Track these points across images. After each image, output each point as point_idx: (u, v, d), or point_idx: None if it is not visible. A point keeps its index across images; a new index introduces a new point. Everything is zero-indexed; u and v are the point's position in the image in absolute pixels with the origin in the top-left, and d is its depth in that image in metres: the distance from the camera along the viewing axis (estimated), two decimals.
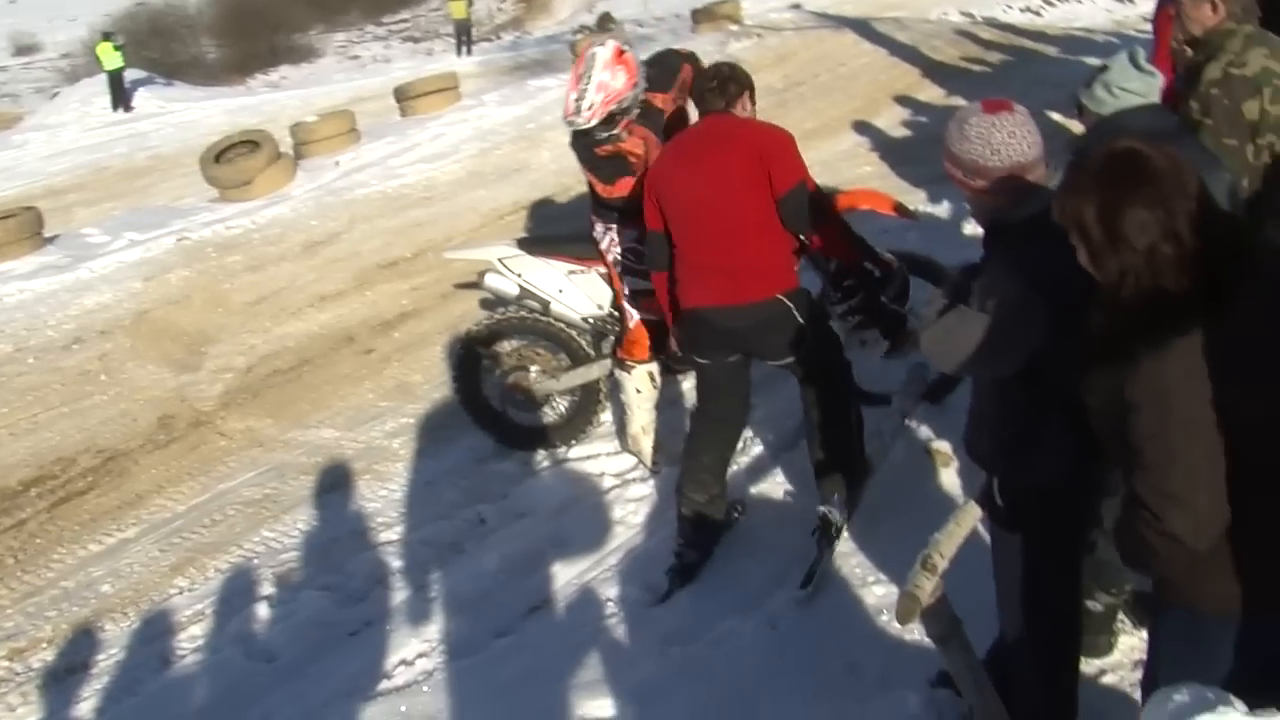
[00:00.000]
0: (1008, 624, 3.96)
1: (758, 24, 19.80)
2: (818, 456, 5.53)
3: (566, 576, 5.85)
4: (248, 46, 50.46)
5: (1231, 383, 2.65)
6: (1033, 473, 3.49)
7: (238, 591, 6.26)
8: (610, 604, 5.56)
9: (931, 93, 14.38)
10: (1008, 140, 3.26)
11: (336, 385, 8.78)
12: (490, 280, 6.79)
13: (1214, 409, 2.64)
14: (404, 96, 16.71)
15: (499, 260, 6.73)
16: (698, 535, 5.67)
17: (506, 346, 6.95)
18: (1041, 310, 3.17)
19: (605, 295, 6.65)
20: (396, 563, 6.27)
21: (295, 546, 6.63)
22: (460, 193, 12.94)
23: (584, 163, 6.20)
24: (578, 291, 6.68)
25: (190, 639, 5.94)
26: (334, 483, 7.26)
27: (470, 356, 6.94)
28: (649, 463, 6.60)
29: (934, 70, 15.35)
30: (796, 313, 5.25)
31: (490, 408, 7.06)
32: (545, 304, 6.71)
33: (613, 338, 6.75)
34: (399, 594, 5.99)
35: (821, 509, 5.46)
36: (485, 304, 8.49)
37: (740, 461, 6.35)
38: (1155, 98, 4.03)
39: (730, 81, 5.27)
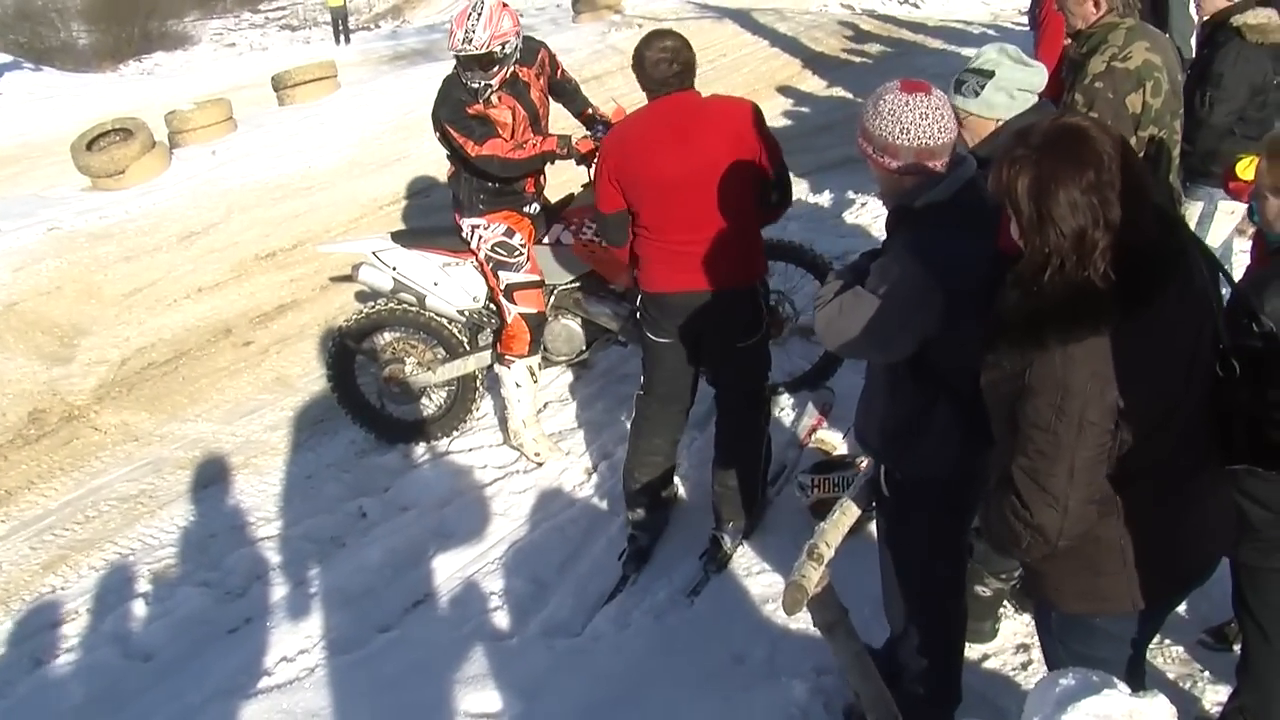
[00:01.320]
0: (893, 611, 4.04)
1: (639, 14, 19.82)
2: (724, 481, 5.49)
3: (450, 570, 5.85)
4: (120, 32, 49.17)
5: (1136, 384, 2.66)
6: (919, 461, 3.54)
7: (113, 589, 6.14)
8: (495, 597, 5.57)
9: (813, 83, 14.54)
10: (919, 121, 3.24)
11: (214, 378, 8.63)
12: (364, 274, 6.73)
13: (1111, 413, 2.66)
14: (281, 85, 16.47)
15: (373, 253, 6.68)
16: (650, 518, 5.69)
17: (382, 340, 6.92)
18: (936, 295, 3.20)
19: (481, 288, 6.64)
20: (276, 558, 6.20)
21: (172, 543, 6.51)
22: (339, 183, 12.79)
23: (452, 123, 6.12)
24: (453, 284, 6.66)
25: (64, 639, 5.80)
26: (212, 477, 7.15)
27: (344, 350, 6.90)
28: (531, 455, 6.60)
29: (815, 61, 15.52)
30: (760, 299, 5.31)
31: (366, 402, 7.03)
32: (420, 297, 6.69)
33: (489, 330, 6.74)
34: (279, 590, 5.93)
35: (714, 533, 5.52)
36: (362, 296, 8.42)
37: (624, 453, 6.39)
38: (1040, 89, 4.09)
39: (691, 58, 5.09)
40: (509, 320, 6.49)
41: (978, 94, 4.06)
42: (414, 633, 5.42)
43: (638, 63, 5.02)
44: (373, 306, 6.86)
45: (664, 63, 4.95)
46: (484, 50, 5.98)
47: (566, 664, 4.97)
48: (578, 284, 6.61)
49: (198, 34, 52.55)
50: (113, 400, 8.46)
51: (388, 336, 6.91)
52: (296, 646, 5.43)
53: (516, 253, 6.37)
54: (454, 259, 6.60)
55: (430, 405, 7.11)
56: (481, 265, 6.50)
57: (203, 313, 9.84)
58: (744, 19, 18.08)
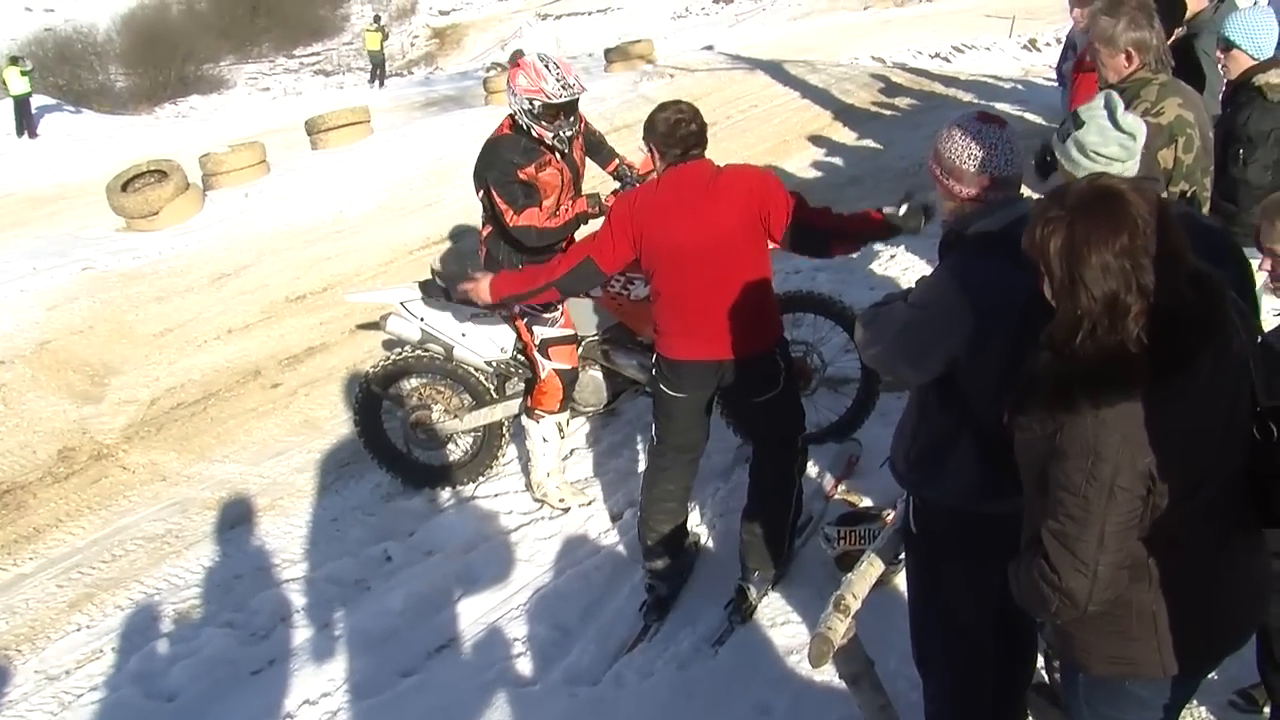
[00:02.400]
0: (918, 658, 4.01)
1: (671, 64, 19.93)
2: (751, 530, 5.46)
3: (473, 615, 5.83)
4: (157, 76, 49.75)
5: (1170, 449, 2.62)
6: (939, 488, 3.53)
7: (138, 629, 6.17)
8: (518, 643, 5.56)
9: (843, 134, 14.56)
10: (990, 149, 3.31)
11: (242, 419, 8.69)
12: (392, 324, 6.76)
13: (1144, 479, 2.62)
14: (315, 129, 16.62)
15: (401, 304, 6.71)
16: (669, 567, 5.65)
17: (409, 385, 6.94)
18: (965, 319, 3.22)
19: (509, 338, 6.66)
20: (301, 600, 6.21)
21: (197, 583, 6.53)
22: (370, 227, 12.89)
23: (498, 186, 6.12)
24: (480, 335, 6.68)
25: (88, 677, 5.83)
26: (238, 518, 7.18)
27: (371, 395, 6.91)
28: (556, 504, 6.61)
29: (845, 113, 15.55)
30: (779, 358, 5.27)
31: (392, 447, 7.03)
32: (448, 348, 6.71)
33: (517, 378, 6.75)
34: (303, 632, 5.93)
35: (740, 583, 5.49)
36: (390, 342, 8.45)
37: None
38: (1134, 162, 3.93)
39: (704, 125, 5.17)
40: (543, 375, 6.49)
41: (1064, 141, 3.96)
42: (437, 678, 5.41)
43: (650, 127, 5.09)
44: (399, 353, 6.88)
45: (681, 124, 5.01)
46: (582, 92, 6.12)
47: (589, 712, 4.95)
48: (605, 336, 6.64)
49: (233, 78, 53.11)
50: (141, 440, 8.51)
51: (415, 382, 6.93)
52: (319, 690, 5.43)
53: (551, 308, 6.37)
54: (482, 309, 6.61)
55: (456, 451, 7.11)
56: (514, 319, 6.51)
57: (232, 354, 9.91)
58: (775, 70, 18.15)
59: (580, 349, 6.59)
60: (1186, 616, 2.84)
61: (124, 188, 13.51)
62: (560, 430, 6.60)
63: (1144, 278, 2.54)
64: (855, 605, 3.55)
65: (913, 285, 3.56)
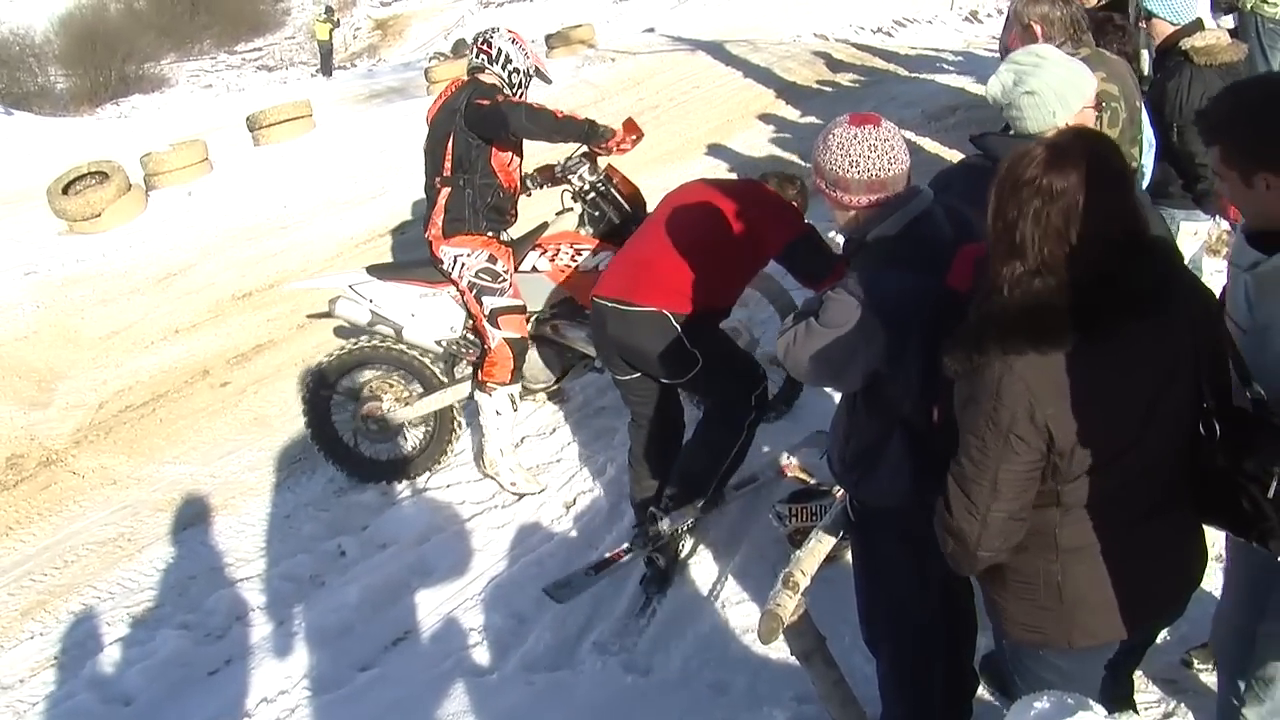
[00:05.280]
0: (872, 640, 4.05)
1: (612, 48, 19.89)
2: (678, 464, 5.57)
3: (429, 606, 5.84)
4: (97, 76, 49.12)
5: (1085, 415, 2.65)
6: (875, 490, 3.56)
7: (92, 634, 6.12)
8: (474, 633, 5.57)
9: (787, 112, 14.58)
10: (866, 154, 3.24)
11: (192, 420, 8.62)
12: (341, 308, 6.74)
13: (1041, 434, 2.66)
14: (256, 125, 16.43)
15: (350, 286, 6.70)
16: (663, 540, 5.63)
17: (358, 378, 6.93)
18: (876, 334, 3.22)
19: (458, 317, 6.69)
20: (256, 598, 6.19)
21: (152, 585, 6.49)
22: (315, 221, 12.81)
23: (493, 96, 6.35)
24: (430, 314, 6.70)
25: (43, 685, 5.79)
26: (190, 519, 7.13)
27: (320, 390, 6.89)
28: (508, 485, 6.62)
29: (788, 90, 15.56)
30: (682, 335, 5.24)
31: (342, 441, 7.01)
32: (398, 329, 6.72)
33: (466, 362, 6.77)
34: (259, 630, 5.92)
35: (652, 510, 5.53)
36: (340, 334, 8.42)
37: (602, 486, 6.46)
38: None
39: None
40: (493, 346, 6.52)
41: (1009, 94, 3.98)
42: (394, 670, 5.41)
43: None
44: (344, 347, 6.88)
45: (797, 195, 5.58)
46: None
47: (547, 698, 4.96)
48: (554, 310, 6.66)
49: (175, 76, 52.52)
50: (90, 444, 8.44)
51: (364, 375, 6.92)
52: (277, 687, 5.42)
53: (500, 278, 6.46)
54: (430, 289, 6.65)
55: (408, 443, 7.11)
56: (464, 293, 6.53)
57: (180, 354, 9.83)
58: (717, 50, 18.13)
59: (530, 325, 6.61)
60: (1094, 590, 2.88)
61: (65, 190, 13.35)
62: (514, 403, 6.62)
63: (1077, 229, 2.56)
64: (804, 582, 3.58)
65: (825, 296, 3.50)
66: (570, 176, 6.55)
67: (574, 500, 6.53)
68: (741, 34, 20.04)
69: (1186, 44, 5.61)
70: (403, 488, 6.99)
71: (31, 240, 13.28)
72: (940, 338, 2.79)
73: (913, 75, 16.11)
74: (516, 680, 5.14)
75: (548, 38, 21.42)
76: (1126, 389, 2.70)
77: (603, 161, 6.56)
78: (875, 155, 3.26)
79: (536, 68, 6.63)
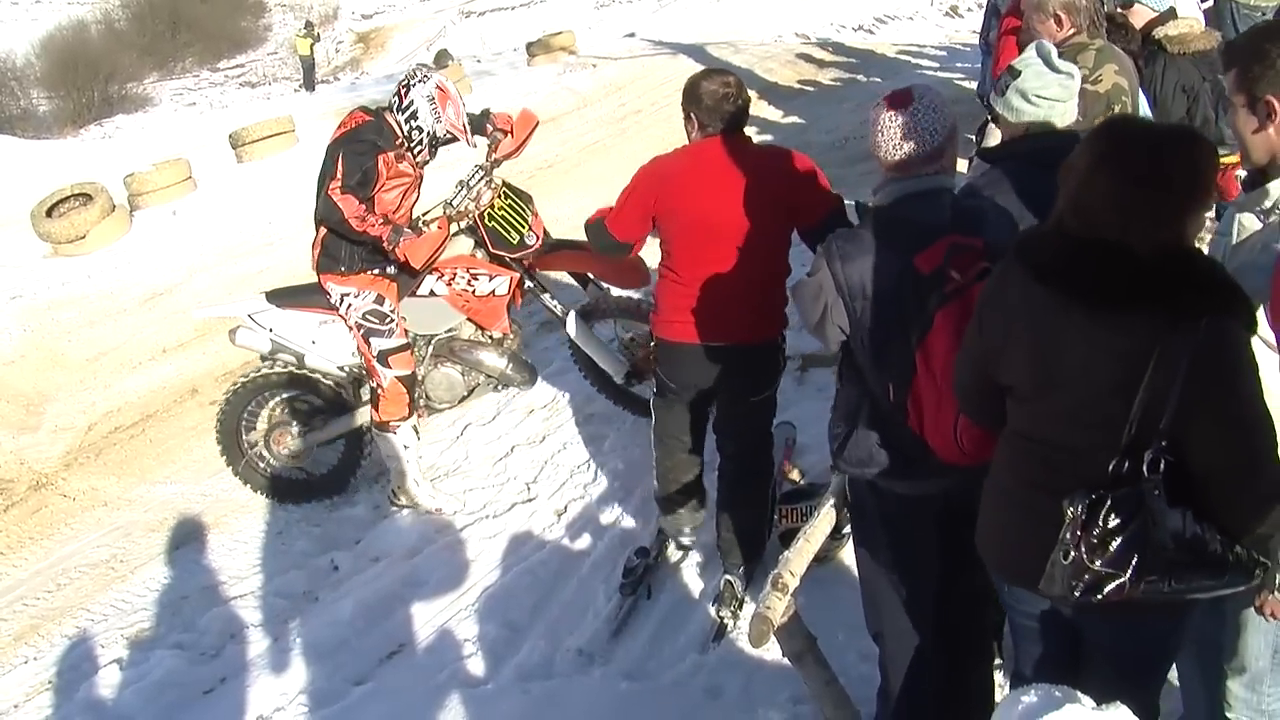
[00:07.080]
0: (873, 630, 4.07)
1: (593, 54, 19.92)
2: (729, 525, 5.35)
3: (423, 619, 5.84)
4: (80, 97, 49.07)
5: (1012, 352, 2.83)
6: (846, 457, 3.68)
7: (86, 656, 6.11)
8: (468, 644, 5.57)
9: (768, 112, 14.59)
10: (891, 137, 3.44)
11: (182, 439, 8.61)
12: (241, 337, 6.75)
13: (977, 362, 2.91)
14: (239, 143, 16.39)
15: (249, 315, 6.69)
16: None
17: (266, 404, 6.96)
18: (838, 298, 3.44)
19: None
20: (250, 616, 6.18)
21: (145, 606, 6.48)
22: (300, 237, 12.60)
23: (346, 154, 6.13)
24: (331, 341, 6.68)
25: (38, 710, 5.78)
26: (183, 539, 7.12)
27: (230, 425, 6.95)
28: (434, 510, 6.65)
29: (769, 91, 15.59)
30: (780, 355, 5.22)
31: (260, 468, 7.06)
32: (300, 356, 6.71)
33: (370, 382, 6.68)
34: (254, 647, 5.90)
35: (727, 578, 5.41)
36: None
37: (593, 493, 6.47)
38: (1073, 102, 4.00)
39: (749, 100, 5.02)
40: (385, 384, 6.47)
41: (1003, 95, 4.02)
42: (389, 683, 5.41)
43: (694, 97, 4.85)
44: (246, 376, 6.91)
45: (729, 98, 4.82)
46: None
47: (542, 706, 4.96)
48: (453, 333, 6.70)
49: (158, 95, 52.47)
50: (81, 466, 8.43)
51: (270, 402, 6.97)
52: (273, 704, 5.41)
53: (388, 320, 6.40)
54: (330, 316, 6.60)
55: (322, 465, 7.15)
56: (352, 330, 6.49)
57: (168, 374, 9.81)
58: (698, 53, 18.17)
59: (431, 347, 6.66)
60: (987, 523, 3.10)
61: (49, 213, 13.33)
62: (416, 432, 6.65)
63: (1112, 208, 2.63)
64: (793, 583, 3.59)
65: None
66: (455, 214, 6.52)
67: (565, 508, 6.53)
68: (722, 36, 20.14)
69: (1159, 33, 5.63)
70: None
71: (16, 264, 13.23)
72: (899, 314, 3.08)
73: (895, 72, 16.13)
74: (512, 690, 5.14)
75: (529, 46, 21.48)
76: (1047, 360, 2.79)
77: (496, 182, 6.56)
78: (898, 140, 3.44)
79: (449, 132, 6.31)
